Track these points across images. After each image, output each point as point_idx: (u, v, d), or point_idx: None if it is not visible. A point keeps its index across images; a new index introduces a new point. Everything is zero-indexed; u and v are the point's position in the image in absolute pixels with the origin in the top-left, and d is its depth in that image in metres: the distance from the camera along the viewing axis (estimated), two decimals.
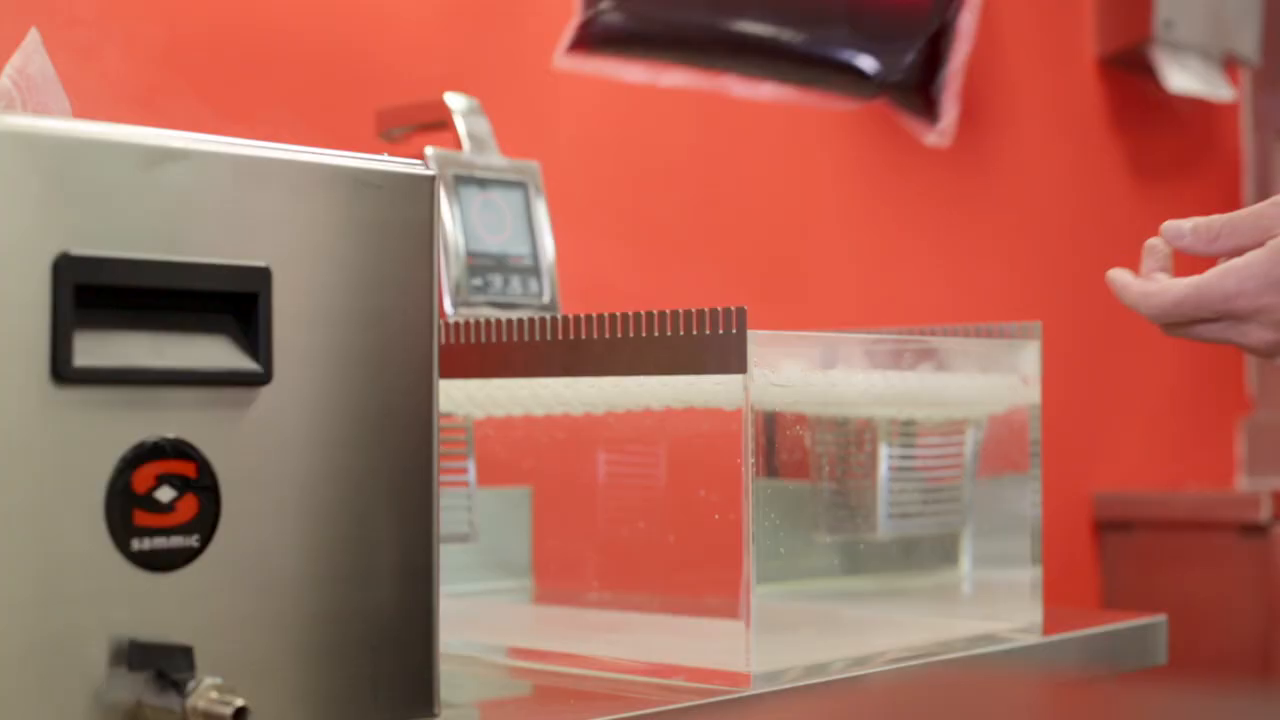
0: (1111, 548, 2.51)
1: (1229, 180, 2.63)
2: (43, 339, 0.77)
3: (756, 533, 1.06)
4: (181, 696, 0.79)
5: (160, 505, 0.80)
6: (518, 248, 1.45)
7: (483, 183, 1.44)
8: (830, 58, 1.88)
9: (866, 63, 1.90)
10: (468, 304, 1.41)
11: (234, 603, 0.83)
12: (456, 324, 1.18)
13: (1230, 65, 2.47)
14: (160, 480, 0.80)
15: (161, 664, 0.79)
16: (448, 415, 1.25)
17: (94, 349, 0.79)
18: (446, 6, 1.70)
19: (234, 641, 0.83)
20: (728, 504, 1.09)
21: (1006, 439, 1.29)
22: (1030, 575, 1.28)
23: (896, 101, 1.98)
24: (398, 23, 1.65)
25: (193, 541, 0.82)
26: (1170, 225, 1.05)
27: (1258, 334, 0.99)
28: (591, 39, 1.64)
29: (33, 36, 0.94)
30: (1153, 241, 1.06)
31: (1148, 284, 1.04)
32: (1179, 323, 1.03)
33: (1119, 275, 1.06)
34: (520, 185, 1.47)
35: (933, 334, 1.27)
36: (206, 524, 0.82)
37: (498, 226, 1.44)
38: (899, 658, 1.15)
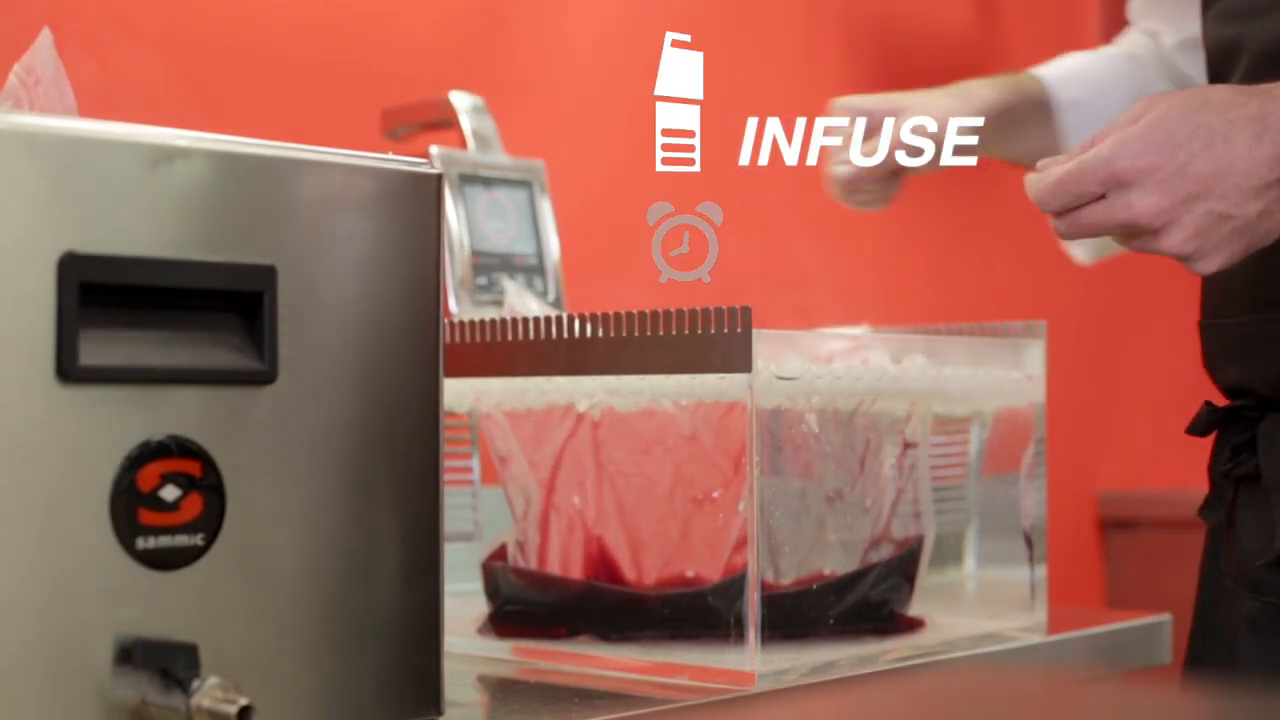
0: (1116, 546, 2.51)
1: None
2: (47, 338, 0.77)
3: (761, 531, 1.06)
4: (186, 695, 0.79)
5: (165, 504, 0.80)
6: (522, 246, 1.45)
7: (488, 181, 1.44)
8: None
9: None
10: (473, 302, 1.41)
11: (239, 601, 0.83)
12: (461, 323, 1.18)
13: None
14: (165, 479, 0.81)
15: (166, 662, 0.79)
16: (452, 414, 1.26)
17: (99, 348, 0.79)
18: (452, 6, 1.70)
19: (239, 640, 0.83)
20: (733, 502, 1.09)
21: (1011, 438, 1.29)
22: (1035, 574, 1.28)
23: None
24: (403, 22, 1.65)
25: (197, 540, 0.82)
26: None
27: (1142, 201, 0.96)
28: None
29: (44, 36, 0.94)
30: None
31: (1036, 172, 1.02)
32: (1070, 207, 1.00)
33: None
34: (525, 184, 1.47)
35: (937, 333, 1.27)
36: (211, 523, 0.82)
37: (503, 225, 1.44)
38: (903, 657, 1.15)
